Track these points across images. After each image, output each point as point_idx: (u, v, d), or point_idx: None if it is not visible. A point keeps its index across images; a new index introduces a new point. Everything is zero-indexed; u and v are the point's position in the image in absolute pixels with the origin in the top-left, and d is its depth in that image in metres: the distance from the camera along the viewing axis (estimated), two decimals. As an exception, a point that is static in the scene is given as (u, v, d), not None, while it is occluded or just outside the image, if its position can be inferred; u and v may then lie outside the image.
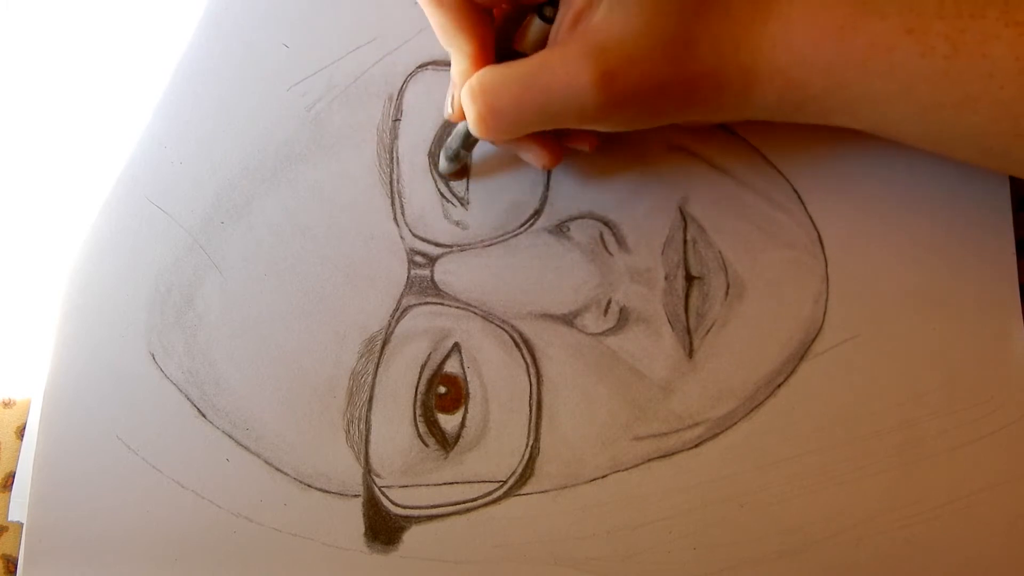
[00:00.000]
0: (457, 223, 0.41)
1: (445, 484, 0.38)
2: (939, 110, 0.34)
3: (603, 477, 0.38)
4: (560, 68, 0.33)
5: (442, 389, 0.39)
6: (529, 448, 0.38)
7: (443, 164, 0.41)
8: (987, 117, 0.33)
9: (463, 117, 0.36)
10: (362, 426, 0.38)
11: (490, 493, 0.38)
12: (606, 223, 0.41)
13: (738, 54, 0.35)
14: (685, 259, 0.40)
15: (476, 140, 0.39)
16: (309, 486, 0.38)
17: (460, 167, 0.41)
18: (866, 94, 0.35)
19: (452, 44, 0.35)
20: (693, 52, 0.34)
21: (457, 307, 0.40)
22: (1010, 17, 0.32)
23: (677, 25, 0.34)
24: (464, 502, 0.38)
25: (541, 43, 0.36)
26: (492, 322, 0.40)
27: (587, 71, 0.33)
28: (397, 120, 0.42)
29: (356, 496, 0.38)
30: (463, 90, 0.35)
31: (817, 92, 0.35)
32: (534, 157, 0.39)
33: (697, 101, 0.36)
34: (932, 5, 0.33)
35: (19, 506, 0.38)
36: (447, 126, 0.42)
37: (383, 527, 0.38)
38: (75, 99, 0.43)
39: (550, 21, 0.35)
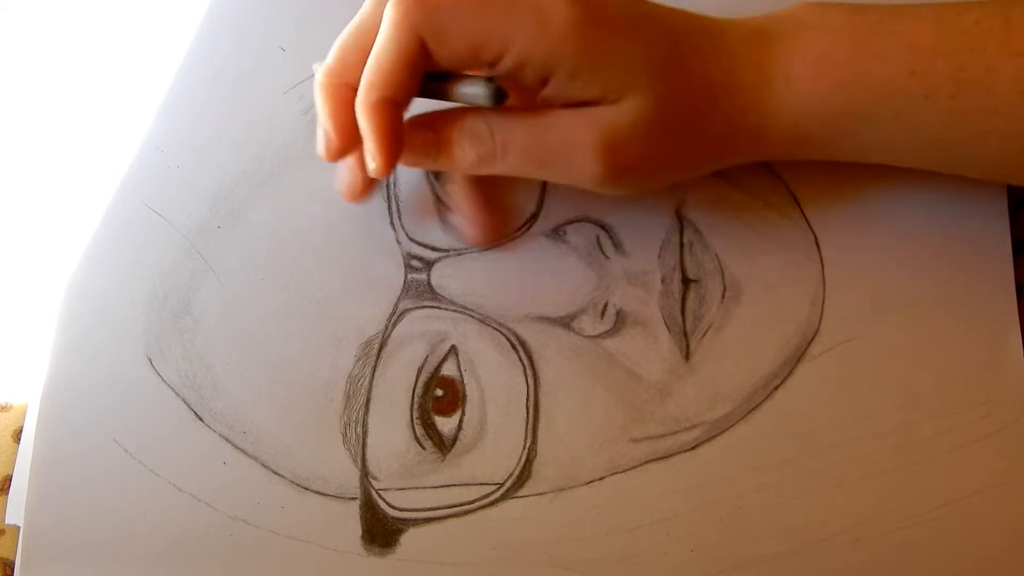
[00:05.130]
0: (454, 227, 0.41)
1: (442, 487, 0.38)
2: (946, 146, 0.34)
3: (600, 479, 0.38)
4: (566, 132, 0.33)
5: (439, 392, 0.39)
6: (526, 450, 0.38)
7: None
8: (995, 149, 0.33)
9: (339, 157, 0.36)
10: (359, 429, 0.38)
11: (487, 495, 0.38)
12: (603, 227, 0.41)
13: (745, 118, 0.34)
14: (682, 262, 0.41)
15: None
16: (306, 489, 0.38)
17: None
18: (872, 139, 0.35)
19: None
20: (702, 126, 0.34)
21: (454, 310, 0.40)
22: (1011, 47, 0.32)
23: (686, 104, 0.33)
24: (461, 504, 0.38)
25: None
26: (489, 325, 0.40)
27: (591, 145, 0.33)
28: (394, 124, 0.42)
29: (353, 499, 0.38)
30: (461, 129, 0.34)
31: (823, 141, 0.35)
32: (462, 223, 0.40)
33: (704, 163, 0.36)
34: (930, 39, 0.33)
35: (16, 509, 0.38)
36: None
37: (380, 530, 0.37)
38: (72, 104, 0.43)
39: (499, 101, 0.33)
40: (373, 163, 0.34)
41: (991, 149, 0.33)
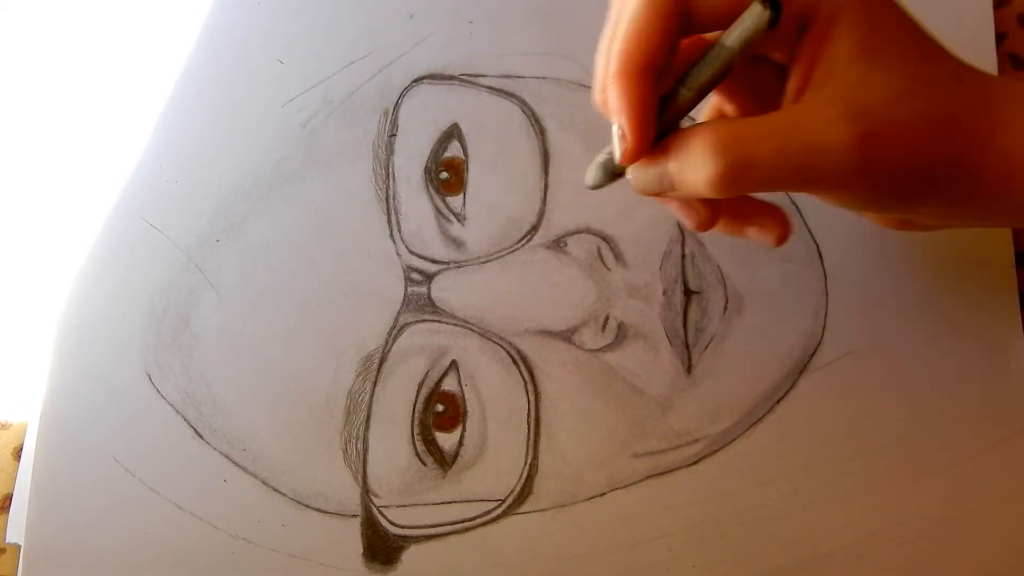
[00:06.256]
0: (454, 239, 0.41)
1: (443, 503, 0.38)
2: None
3: (601, 495, 0.38)
4: (819, 124, 0.29)
5: (440, 407, 0.39)
6: (527, 466, 0.38)
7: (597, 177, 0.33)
8: None
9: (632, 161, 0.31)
10: (360, 445, 0.38)
11: (488, 512, 0.38)
12: (604, 238, 0.41)
13: (995, 139, 0.30)
14: (683, 274, 0.40)
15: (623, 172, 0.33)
16: (307, 506, 0.38)
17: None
18: None
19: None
20: (953, 131, 0.30)
21: (454, 324, 0.40)
22: None
23: (937, 97, 0.30)
24: (462, 521, 0.38)
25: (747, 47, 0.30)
26: (490, 339, 0.39)
27: (846, 131, 0.29)
28: (393, 136, 0.42)
29: (354, 516, 0.38)
30: (697, 143, 0.29)
31: None
32: (761, 232, 0.34)
33: (947, 189, 0.31)
34: None
35: (17, 528, 0.38)
36: (443, 140, 0.42)
37: (381, 547, 0.37)
38: (69, 118, 0.43)
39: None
40: (622, 145, 0.30)
41: None
